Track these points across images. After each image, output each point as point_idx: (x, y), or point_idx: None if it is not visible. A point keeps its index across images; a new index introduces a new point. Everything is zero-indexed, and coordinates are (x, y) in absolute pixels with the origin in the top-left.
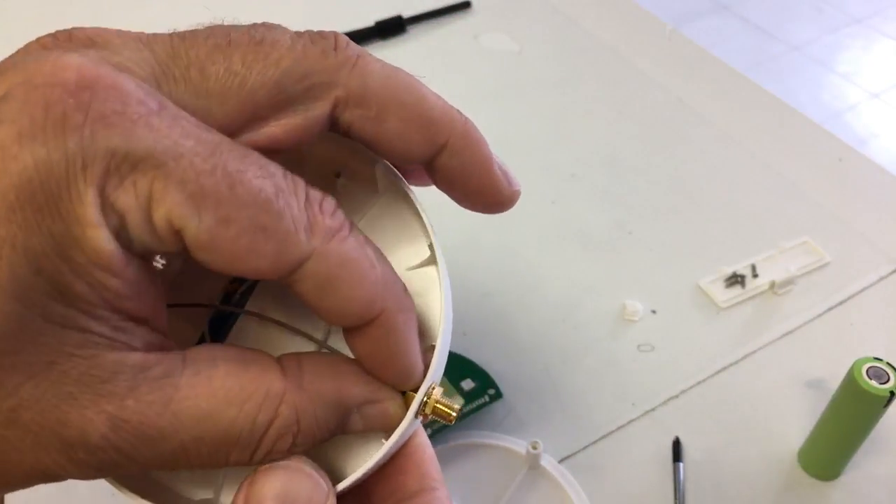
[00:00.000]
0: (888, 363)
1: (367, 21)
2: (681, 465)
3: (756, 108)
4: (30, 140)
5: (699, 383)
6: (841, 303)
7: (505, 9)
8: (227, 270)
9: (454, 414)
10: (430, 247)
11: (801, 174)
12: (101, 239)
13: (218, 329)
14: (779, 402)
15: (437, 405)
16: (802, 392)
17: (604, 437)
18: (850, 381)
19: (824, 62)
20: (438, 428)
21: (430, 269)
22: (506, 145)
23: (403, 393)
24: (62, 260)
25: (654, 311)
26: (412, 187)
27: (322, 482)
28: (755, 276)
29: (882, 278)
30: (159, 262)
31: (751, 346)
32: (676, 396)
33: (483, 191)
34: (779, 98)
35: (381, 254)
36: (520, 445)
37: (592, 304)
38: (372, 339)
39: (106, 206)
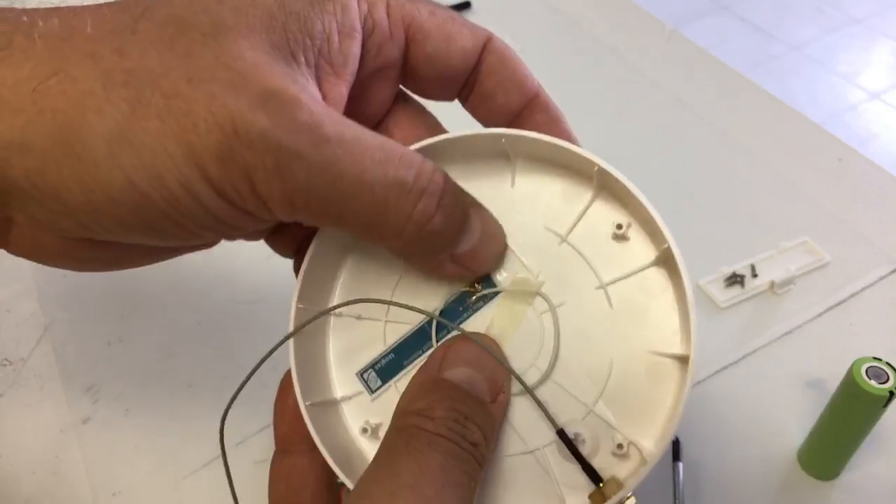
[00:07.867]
0: (888, 363)
1: None
2: (680, 464)
3: (756, 108)
4: None
5: (699, 383)
6: (840, 303)
7: (505, 9)
8: None
9: None
10: (668, 251)
11: (801, 174)
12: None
13: (451, 317)
14: (779, 402)
15: None
16: (802, 392)
17: None
18: (850, 381)
19: (824, 62)
20: None
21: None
22: None
23: (600, 486)
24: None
25: None
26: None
27: (503, 360)
28: (755, 275)
29: (882, 278)
30: None
31: (750, 345)
32: None
33: None
34: (779, 98)
35: None
36: None
37: None
38: None
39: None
